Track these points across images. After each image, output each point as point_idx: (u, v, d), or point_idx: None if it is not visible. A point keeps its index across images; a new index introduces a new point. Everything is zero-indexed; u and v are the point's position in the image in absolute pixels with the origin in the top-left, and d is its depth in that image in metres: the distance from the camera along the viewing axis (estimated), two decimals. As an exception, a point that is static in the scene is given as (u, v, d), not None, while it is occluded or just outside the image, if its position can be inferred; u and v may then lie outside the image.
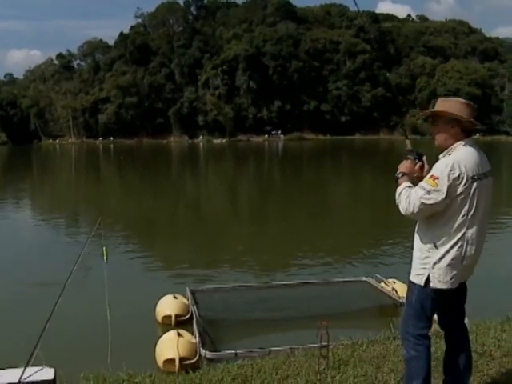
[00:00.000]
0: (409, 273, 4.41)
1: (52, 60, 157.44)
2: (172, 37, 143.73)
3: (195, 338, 7.94)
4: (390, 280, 10.20)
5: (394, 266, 13.40)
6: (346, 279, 11.02)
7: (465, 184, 4.08)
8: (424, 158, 4.59)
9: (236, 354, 7.20)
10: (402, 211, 4.25)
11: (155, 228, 20.90)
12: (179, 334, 7.59)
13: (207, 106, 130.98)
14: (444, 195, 4.04)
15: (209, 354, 7.46)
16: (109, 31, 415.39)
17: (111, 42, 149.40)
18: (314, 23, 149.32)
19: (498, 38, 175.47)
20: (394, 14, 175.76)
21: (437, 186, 4.05)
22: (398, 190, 4.34)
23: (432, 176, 4.11)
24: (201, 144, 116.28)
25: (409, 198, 4.19)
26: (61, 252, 15.13)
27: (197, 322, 8.55)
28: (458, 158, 4.14)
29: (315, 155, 77.08)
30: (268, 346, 7.37)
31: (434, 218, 4.19)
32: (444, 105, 4.34)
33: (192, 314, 8.98)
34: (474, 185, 4.11)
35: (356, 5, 5.50)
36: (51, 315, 4.57)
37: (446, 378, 4.63)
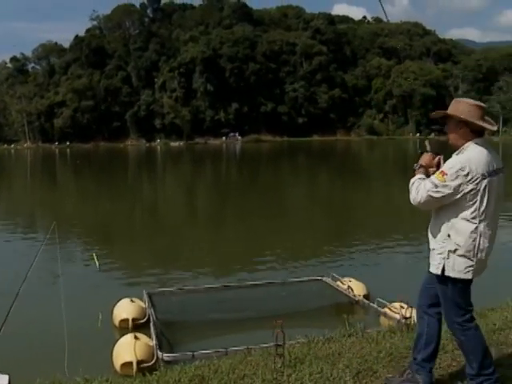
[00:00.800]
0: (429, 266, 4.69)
1: (6, 63, 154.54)
2: (128, 39, 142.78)
3: (152, 340, 7.93)
4: (346, 279, 10.31)
5: (350, 265, 13.54)
6: (302, 279, 11.09)
7: (475, 181, 4.32)
8: (441, 158, 4.79)
9: (193, 355, 7.21)
10: (411, 200, 4.57)
11: (112, 232, 20.76)
12: (136, 337, 7.57)
13: (164, 109, 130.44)
14: (450, 190, 4.33)
15: (166, 356, 7.46)
16: (64, 34, 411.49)
17: (66, 45, 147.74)
18: (271, 25, 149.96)
19: (451, 39, 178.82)
20: (350, 15, 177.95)
21: (445, 181, 4.33)
22: (412, 180, 4.63)
23: (442, 172, 4.39)
24: (158, 147, 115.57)
25: (418, 189, 4.49)
26: (14, 259, 14.81)
27: (154, 324, 8.54)
28: (469, 156, 4.38)
29: (273, 157, 77.21)
30: (225, 347, 7.39)
31: (447, 211, 4.47)
32: (454, 107, 4.58)
33: (149, 317, 8.96)
34: (485, 181, 4.34)
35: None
36: (5, 321, 4.54)
37: (416, 354, 4.97)
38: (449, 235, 4.43)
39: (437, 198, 4.39)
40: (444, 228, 4.48)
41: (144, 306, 9.45)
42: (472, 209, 4.36)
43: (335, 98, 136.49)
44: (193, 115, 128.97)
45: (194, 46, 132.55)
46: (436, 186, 4.36)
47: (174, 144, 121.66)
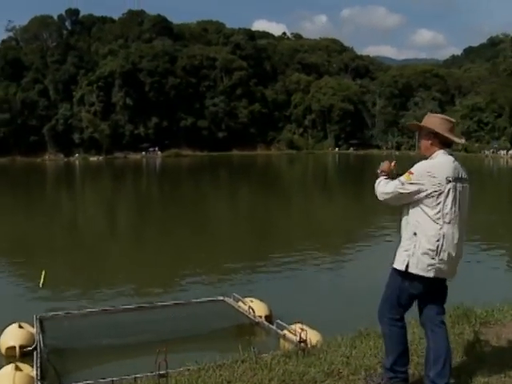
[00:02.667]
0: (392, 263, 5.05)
1: None
2: (46, 52, 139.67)
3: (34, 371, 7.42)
4: (248, 299, 10.02)
5: (256, 284, 13.31)
6: (203, 299, 10.72)
7: (439, 183, 4.75)
8: (395, 162, 5.36)
9: (76, 386, 6.76)
10: (379, 195, 5.08)
11: (20, 249, 19.90)
12: (17, 368, 7.07)
13: (83, 123, 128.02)
14: (415, 188, 4.79)
15: (47, 388, 6.99)
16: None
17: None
18: (191, 40, 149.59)
19: (368, 56, 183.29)
20: (270, 31, 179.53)
21: (411, 180, 4.81)
22: (378, 180, 5.16)
23: (409, 172, 4.88)
24: (77, 162, 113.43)
25: (386, 185, 5.02)
26: None
27: (40, 352, 8.01)
28: (436, 162, 4.89)
29: (193, 172, 76.96)
30: (112, 376, 6.97)
31: (414, 212, 4.90)
32: (426, 120, 5.12)
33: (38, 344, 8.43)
34: (449, 185, 4.78)
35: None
36: None
37: (428, 372, 4.96)
38: (415, 233, 4.82)
39: (402, 193, 4.86)
40: (411, 227, 4.88)
41: (33, 331, 8.90)
42: (436, 210, 4.76)
43: (255, 112, 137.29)
44: (112, 130, 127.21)
45: (113, 60, 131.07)
46: (402, 184, 4.84)
47: (93, 159, 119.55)
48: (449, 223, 4.78)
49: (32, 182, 59.44)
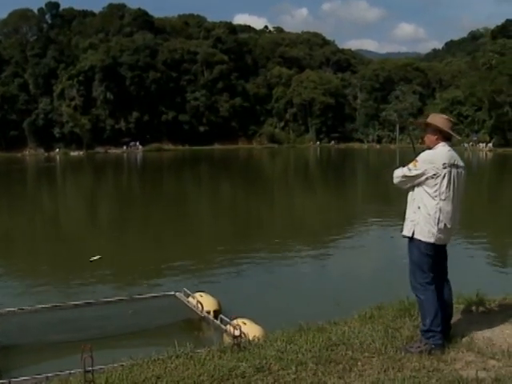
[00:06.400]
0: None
1: None
2: (25, 45, 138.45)
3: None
4: (197, 294, 10.00)
5: (210, 279, 13.36)
6: (154, 294, 10.70)
7: (437, 168, 5.92)
8: None
9: (10, 382, 6.73)
10: (394, 180, 6.29)
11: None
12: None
13: (63, 118, 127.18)
14: (419, 172, 5.97)
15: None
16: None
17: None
18: (172, 34, 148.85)
19: (350, 49, 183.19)
20: (251, 25, 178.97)
21: (416, 166, 6.01)
22: (396, 170, 6.31)
23: (415, 160, 6.05)
24: (57, 157, 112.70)
25: (397, 172, 6.23)
26: None
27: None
28: (437, 152, 6.07)
29: (174, 166, 76.85)
30: (55, 371, 6.94)
31: (419, 190, 6.07)
32: (432, 118, 6.30)
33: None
34: (445, 170, 5.94)
35: None
36: None
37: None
38: (419, 207, 6.02)
39: (409, 176, 6.07)
40: (416, 202, 6.08)
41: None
42: (434, 189, 5.93)
43: (236, 106, 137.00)
44: (92, 124, 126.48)
45: (93, 54, 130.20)
46: (409, 170, 6.06)
47: (74, 153, 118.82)
48: (444, 200, 5.96)
49: (12, 176, 58.98)
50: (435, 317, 5.98)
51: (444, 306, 6.15)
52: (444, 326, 6.10)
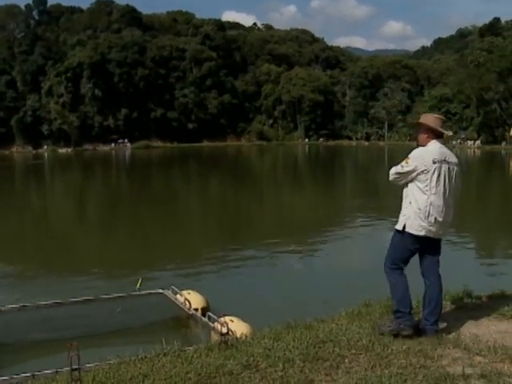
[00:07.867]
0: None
1: None
2: (13, 42, 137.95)
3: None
4: (185, 291, 9.97)
5: (199, 277, 13.27)
6: (142, 292, 10.63)
7: (427, 164, 6.19)
8: None
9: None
10: (389, 177, 6.55)
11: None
12: None
13: (51, 115, 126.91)
14: (411, 168, 6.26)
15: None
16: None
17: None
18: (160, 30, 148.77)
19: (339, 47, 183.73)
20: (240, 22, 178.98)
21: (408, 163, 6.30)
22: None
23: (407, 157, 6.36)
24: (46, 154, 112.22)
25: (392, 169, 6.49)
26: None
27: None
28: (428, 149, 6.33)
29: (163, 163, 76.70)
30: (42, 369, 6.91)
31: (411, 187, 6.33)
32: (424, 118, 6.65)
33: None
34: (435, 165, 6.19)
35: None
36: None
37: (423, 311, 6.51)
38: (410, 202, 6.28)
39: (402, 173, 6.35)
40: (408, 198, 6.34)
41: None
42: (425, 184, 6.19)
43: (225, 103, 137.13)
44: (81, 121, 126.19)
45: (81, 51, 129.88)
46: (402, 167, 6.34)
47: (62, 151, 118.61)
48: (434, 194, 6.19)
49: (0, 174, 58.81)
50: (402, 298, 6.30)
51: (433, 297, 6.39)
52: (427, 314, 6.41)
